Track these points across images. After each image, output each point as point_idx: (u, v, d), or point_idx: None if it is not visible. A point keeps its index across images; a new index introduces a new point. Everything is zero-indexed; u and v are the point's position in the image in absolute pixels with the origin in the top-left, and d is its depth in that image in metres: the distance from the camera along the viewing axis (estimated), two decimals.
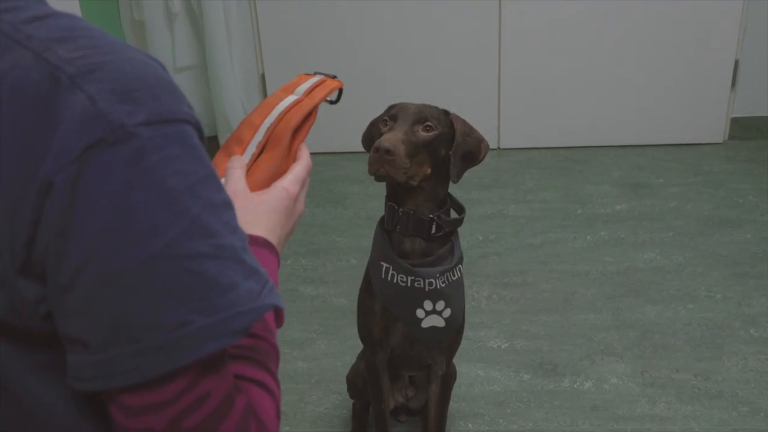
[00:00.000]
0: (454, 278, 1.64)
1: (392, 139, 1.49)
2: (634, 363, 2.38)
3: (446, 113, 1.62)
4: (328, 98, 1.06)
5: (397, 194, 1.61)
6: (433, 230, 1.60)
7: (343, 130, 3.75)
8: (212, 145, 3.65)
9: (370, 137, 1.71)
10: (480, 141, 1.66)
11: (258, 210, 0.92)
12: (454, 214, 1.68)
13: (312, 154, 1.04)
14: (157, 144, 0.61)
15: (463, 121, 1.65)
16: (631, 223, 3.13)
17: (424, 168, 1.53)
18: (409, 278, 1.60)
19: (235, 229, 0.67)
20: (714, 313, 2.59)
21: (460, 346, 2.46)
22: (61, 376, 0.66)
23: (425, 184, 1.56)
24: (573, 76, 3.67)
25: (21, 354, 0.66)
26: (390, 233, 1.64)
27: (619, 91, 3.69)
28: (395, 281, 1.61)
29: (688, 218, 3.14)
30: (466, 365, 2.39)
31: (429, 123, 1.54)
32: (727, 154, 3.67)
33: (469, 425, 2.18)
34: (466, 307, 2.63)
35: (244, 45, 3.63)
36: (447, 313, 1.64)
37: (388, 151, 1.46)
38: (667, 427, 2.15)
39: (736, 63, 3.63)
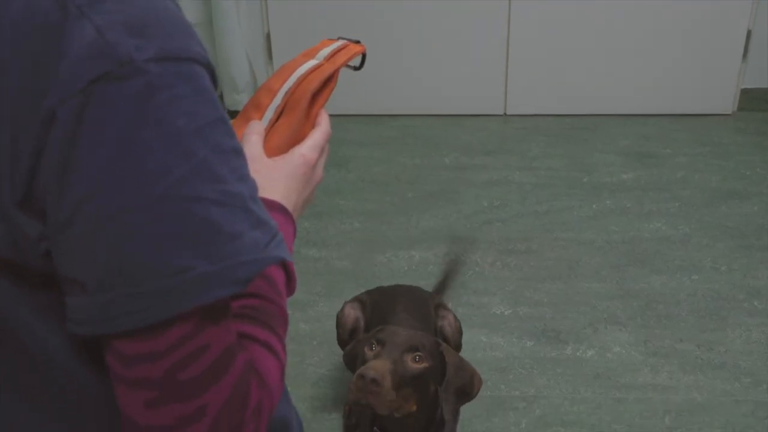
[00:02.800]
0: None
1: (379, 367, 1.38)
2: (638, 332, 2.37)
3: (437, 344, 1.52)
4: (351, 63, 1.03)
5: (381, 421, 1.52)
6: None
7: (348, 92, 3.71)
8: None
9: (353, 357, 1.60)
10: (472, 375, 1.57)
11: (273, 175, 0.89)
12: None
13: None
14: (166, 82, 0.58)
15: (455, 354, 1.56)
16: (637, 192, 3.11)
17: (409, 403, 1.43)
18: None
19: (245, 177, 0.65)
20: (719, 284, 2.58)
21: (464, 312, 2.46)
22: (61, 319, 0.64)
23: (408, 418, 1.46)
24: (582, 43, 3.63)
25: (20, 293, 0.64)
26: None
27: (628, 59, 3.65)
28: None
29: (694, 189, 3.12)
30: (469, 331, 2.38)
31: (420, 354, 1.44)
32: (736, 125, 3.64)
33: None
34: (469, 273, 2.63)
35: (250, 3, 3.58)
36: None
37: (373, 381, 1.35)
38: (669, 396, 2.15)
39: (749, 33, 3.58)
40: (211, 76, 0.64)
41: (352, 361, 1.60)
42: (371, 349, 1.46)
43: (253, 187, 0.66)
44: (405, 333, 1.47)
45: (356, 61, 1.04)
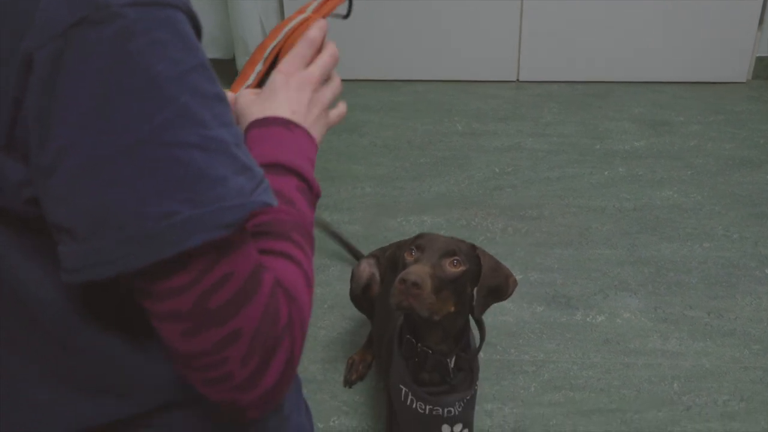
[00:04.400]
0: (468, 397, 1.61)
1: (420, 272, 1.42)
2: (648, 299, 2.38)
3: (473, 248, 1.56)
4: (338, 12, 1.02)
5: (415, 327, 1.56)
6: (452, 366, 1.56)
7: (360, 57, 3.70)
8: (230, 68, 3.61)
9: (394, 261, 1.64)
10: (507, 276, 1.59)
11: (271, 96, 0.86)
12: (474, 336, 1.63)
13: None
14: (144, 27, 0.58)
15: (490, 256, 1.59)
16: (649, 160, 3.10)
17: (448, 305, 1.47)
18: (428, 407, 1.57)
19: (228, 123, 0.65)
20: (730, 252, 2.58)
21: None
22: (49, 264, 0.65)
23: (445, 320, 1.50)
24: (596, 9, 3.59)
25: (9, 236, 0.65)
26: (408, 359, 1.59)
27: (642, 26, 3.62)
28: (414, 406, 1.59)
29: (707, 157, 3.11)
30: None
31: (457, 258, 1.47)
32: (750, 93, 3.61)
33: (481, 354, 2.18)
34: (481, 239, 2.64)
35: None
36: None
37: (414, 284, 1.40)
38: (678, 362, 2.16)
39: (765, 1, 3.54)
40: (193, 23, 0.64)
41: (394, 264, 1.64)
42: (411, 255, 1.51)
43: (237, 134, 0.66)
44: (443, 239, 1.52)
45: (343, 9, 1.03)
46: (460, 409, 1.58)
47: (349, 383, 2.12)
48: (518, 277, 2.46)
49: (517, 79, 3.76)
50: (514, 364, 2.17)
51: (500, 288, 1.58)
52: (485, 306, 1.58)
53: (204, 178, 0.61)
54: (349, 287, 2.08)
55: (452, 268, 1.47)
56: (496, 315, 2.33)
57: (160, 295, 0.63)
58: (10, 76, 0.57)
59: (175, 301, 0.63)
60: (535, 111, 3.49)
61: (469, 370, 1.60)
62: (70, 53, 0.56)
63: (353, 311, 2.24)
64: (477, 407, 2.01)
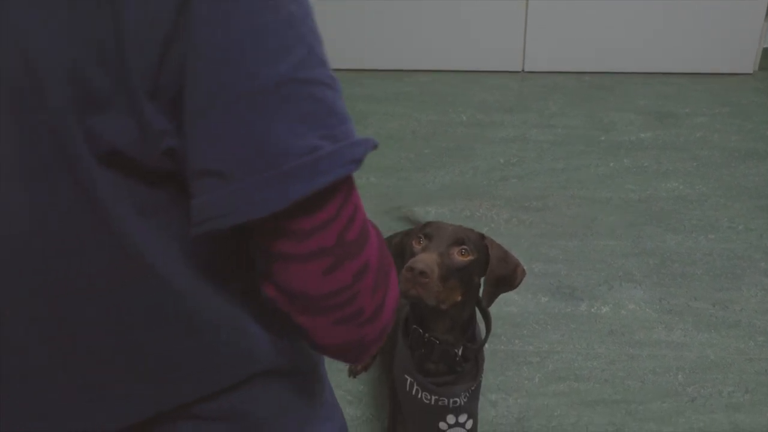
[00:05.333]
0: (473, 388, 1.60)
1: (427, 260, 1.41)
2: (653, 290, 2.38)
3: (482, 237, 1.54)
4: None
5: (422, 317, 1.55)
6: (458, 357, 1.55)
7: (364, 47, 3.70)
8: None
9: (401, 249, 1.63)
10: (516, 266, 1.58)
11: None
12: (480, 328, 1.62)
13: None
14: None
15: (499, 246, 1.57)
16: (654, 151, 3.09)
17: (455, 294, 1.46)
18: (433, 397, 1.56)
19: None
20: (735, 244, 2.57)
21: None
22: (163, 225, 0.66)
23: (452, 310, 1.50)
24: (601, 1, 3.58)
25: (130, 190, 0.64)
26: (414, 350, 1.58)
27: (648, 17, 3.60)
28: (419, 397, 1.58)
29: (713, 149, 3.10)
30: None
31: (465, 247, 1.46)
32: (756, 85, 3.60)
33: (486, 345, 2.19)
34: (485, 230, 2.64)
35: None
36: (470, 424, 1.61)
37: (422, 273, 1.39)
38: (682, 353, 2.16)
39: None
40: None
41: (401, 252, 1.63)
42: (419, 243, 1.50)
43: None
44: (451, 227, 1.50)
45: None
46: (465, 400, 1.58)
47: (353, 373, 2.12)
48: None
49: (523, 70, 3.75)
50: (519, 354, 2.17)
51: (508, 278, 1.57)
52: (493, 296, 1.57)
53: (335, 114, 0.63)
54: None
55: (460, 257, 1.46)
56: (500, 306, 2.33)
57: (305, 234, 0.64)
58: (164, 17, 0.58)
59: (319, 237, 0.65)
60: (541, 102, 3.48)
61: (474, 361, 1.60)
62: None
63: None
64: (481, 398, 2.01)
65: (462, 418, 1.59)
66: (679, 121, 3.31)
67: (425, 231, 1.50)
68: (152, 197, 0.65)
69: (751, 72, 3.70)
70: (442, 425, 1.60)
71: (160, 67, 0.59)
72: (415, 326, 1.56)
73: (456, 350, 1.54)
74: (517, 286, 1.59)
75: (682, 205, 2.77)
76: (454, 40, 3.69)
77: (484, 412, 1.99)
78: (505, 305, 2.33)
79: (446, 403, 1.57)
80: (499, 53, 3.72)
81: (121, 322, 0.69)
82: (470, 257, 1.47)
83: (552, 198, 2.82)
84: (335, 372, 2.13)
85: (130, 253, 0.66)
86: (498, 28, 3.66)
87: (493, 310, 2.31)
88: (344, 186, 0.66)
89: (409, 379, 1.59)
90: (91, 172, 0.61)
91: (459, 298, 1.48)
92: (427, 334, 1.54)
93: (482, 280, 1.55)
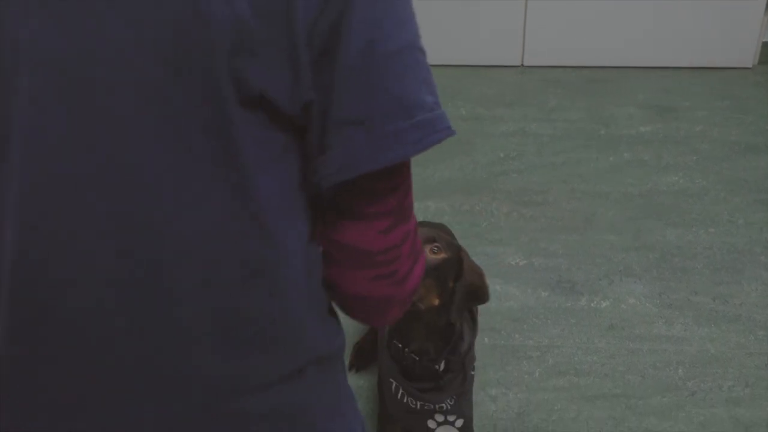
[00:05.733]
0: (461, 391, 1.59)
1: None
2: (653, 284, 2.38)
3: (453, 237, 1.55)
4: None
5: (399, 328, 1.54)
6: (441, 369, 1.54)
7: None
8: None
9: None
10: (483, 278, 1.58)
11: None
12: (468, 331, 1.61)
13: None
14: None
15: (468, 255, 1.58)
16: (654, 145, 3.08)
17: (431, 294, 1.45)
18: (419, 402, 1.56)
19: None
20: (735, 238, 2.57)
21: (479, 262, 2.47)
22: (278, 175, 0.70)
23: (428, 315, 1.48)
24: None
25: (265, 137, 0.69)
26: (396, 362, 1.58)
27: (648, 11, 3.59)
28: (405, 401, 1.57)
29: (713, 143, 3.09)
30: None
31: (437, 244, 1.46)
32: (756, 79, 3.59)
33: (485, 339, 2.19)
34: (485, 224, 2.63)
35: None
36: (460, 423, 1.59)
37: None
38: (683, 347, 2.16)
39: None
40: None
41: None
42: None
43: None
44: (422, 228, 1.51)
45: None
46: (452, 403, 1.57)
47: (355, 367, 2.12)
48: (522, 262, 2.46)
49: (522, 64, 3.75)
50: (519, 349, 2.17)
51: (479, 289, 1.56)
52: (463, 306, 1.54)
53: (432, 82, 0.72)
54: None
55: (432, 254, 1.46)
56: (500, 300, 2.33)
57: (379, 194, 0.73)
58: None
59: (390, 198, 0.73)
60: (540, 96, 3.48)
61: (460, 369, 1.58)
62: None
63: None
64: (481, 392, 2.01)
65: (451, 417, 1.58)
66: (679, 115, 3.30)
67: None
68: (276, 147, 0.70)
69: (751, 66, 3.69)
70: (431, 423, 1.58)
71: (317, 20, 0.65)
72: (394, 341, 1.55)
73: (437, 366, 1.53)
74: (486, 300, 1.57)
75: (683, 199, 2.76)
76: (454, 36, 3.68)
77: (483, 407, 1.99)
78: (504, 300, 2.33)
79: (432, 407, 1.56)
80: (498, 47, 3.71)
81: (218, 277, 0.70)
82: (443, 255, 1.46)
83: (552, 192, 2.82)
84: None
85: (249, 197, 0.69)
86: (497, 22, 3.65)
87: (492, 305, 2.31)
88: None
89: (394, 383, 1.58)
90: (234, 115, 0.66)
91: (436, 302, 1.46)
92: (407, 349, 1.53)
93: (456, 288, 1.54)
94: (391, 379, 1.58)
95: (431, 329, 1.51)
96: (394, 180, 0.73)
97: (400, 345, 1.54)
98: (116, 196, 0.67)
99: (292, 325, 0.76)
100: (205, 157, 0.67)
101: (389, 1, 0.67)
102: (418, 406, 1.57)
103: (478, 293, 1.54)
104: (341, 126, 0.68)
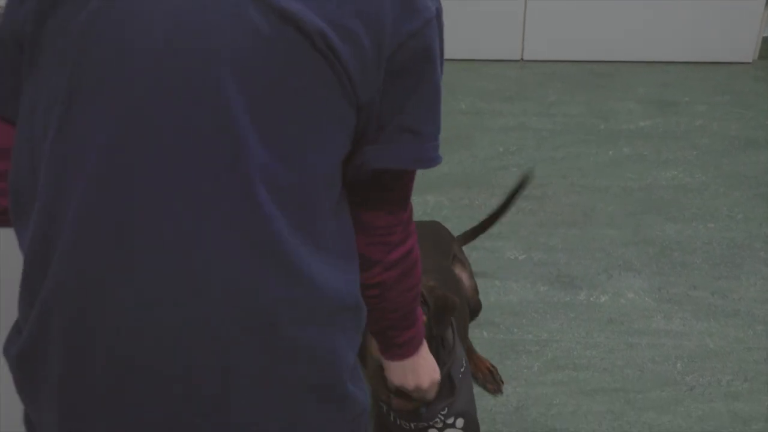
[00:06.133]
0: (453, 398, 1.57)
1: None
2: (652, 279, 2.37)
3: (433, 298, 1.55)
4: None
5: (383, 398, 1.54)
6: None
7: None
8: None
9: None
10: (450, 293, 1.60)
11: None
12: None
13: None
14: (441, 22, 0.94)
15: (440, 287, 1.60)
16: (654, 140, 3.08)
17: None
18: (411, 424, 1.55)
19: None
20: (735, 232, 2.57)
21: (478, 256, 2.46)
22: (333, 151, 0.88)
23: None
24: None
25: (330, 118, 0.86)
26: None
27: (647, 5, 3.59)
28: (398, 423, 1.56)
29: (713, 137, 3.09)
30: (483, 276, 2.39)
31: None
32: (756, 74, 3.59)
33: (484, 333, 2.19)
34: (484, 218, 2.63)
35: None
36: (461, 422, 1.58)
37: None
38: (681, 342, 2.16)
39: None
40: None
41: None
42: None
43: None
44: None
45: None
46: (444, 412, 1.55)
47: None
48: (521, 257, 2.46)
49: (522, 58, 3.74)
50: (518, 343, 2.17)
51: (444, 300, 1.55)
52: (439, 321, 1.54)
53: None
54: None
55: None
56: (499, 294, 2.32)
57: (402, 187, 0.99)
58: (403, 29, 0.87)
59: (403, 192, 0.99)
60: (540, 90, 3.47)
61: (447, 380, 1.56)
62: (435, 32, 0.90)
63: None
64: (480, 386, 2.01)
65: (450, 420, 1.57)
66: (679, 109, 3.30)
67: None
68: (341, 135, 0.89)
69: (751, 61, 3.69)
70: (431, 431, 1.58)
71: (399, 48, 0.87)
72: (381, 405, 1.55)
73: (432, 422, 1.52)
74: (454, 308, 1.57)
75: (682, 193, 2.76)
76: (453, 30, 3.68)
77: (482, 401, 1.99)
78: (504, 294, 2.33)
79: (425, 426, 1.55)
80: (498, 41, 3.70)
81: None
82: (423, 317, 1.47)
83: (551, 187, 2.81)
84: None
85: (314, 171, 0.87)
86: (497, 16, 3.64)
87: (491, 298, 2.31)
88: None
89: (384, 407, 1.57)
90: (313, 101, 0.84)
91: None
92: (392, 414, 1.52)
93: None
94: (381, 403, 1.58)
95: None
96: (410, 179, 1.00)
97: (385, 410, 1.55)
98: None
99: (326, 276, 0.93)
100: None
101: (440, 51, 0.95)
102: (412, 426, 1.56)
103: (447, 304, 1.54)
104: (401, 130, 0.92)
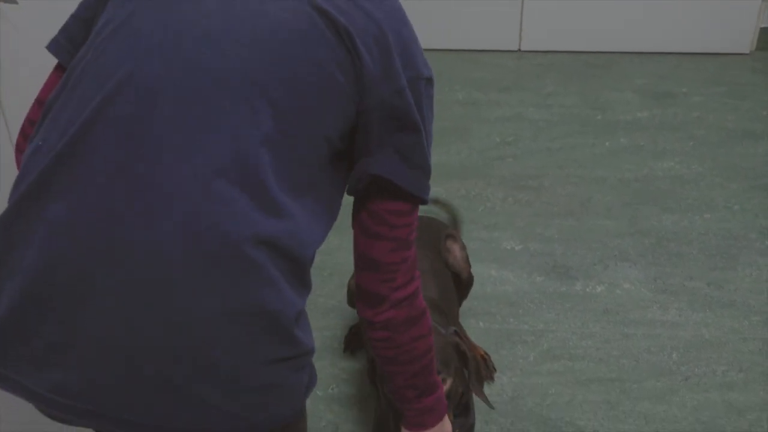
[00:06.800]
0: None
1: None
2: (648, 269, 2.38)
3: (455, 345, 1.57)
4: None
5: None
6: None
7: None
8: None
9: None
10: (476, 351, 1.67)
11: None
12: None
13: None
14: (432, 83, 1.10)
15: (466, 338, 1.67)
16: (651, 131, 3.08)
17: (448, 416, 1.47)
18: None
19: None
20: (731, 223, 2.57)
21: (474, 246, 2.46)
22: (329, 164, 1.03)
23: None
24: None
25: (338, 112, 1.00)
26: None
27: None
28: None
29: (709, 128, 3.09)
30: (479, 265, 2.39)
31: (441, 375, 1.49)
32: (753, 65, 3.59)
33: (480, 323, 2.19)
34: (480, 209, 2.63)
35: None
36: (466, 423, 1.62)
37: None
38: (677, 332, 2.16)
39: None
40: None
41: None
42: None
43: None
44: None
45: None
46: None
47: (350, 348, 2.12)
48: (518, 247, 2.46)
49: (519, 49, 3.73)
50: (513, 333, 2.17)
51: (477, 363, 1.61)
52: (479, 381, 1.59)
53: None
54: (348, 257, 2.07)
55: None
56: (495, 285, 2.33)
57: (399, 226, 1.08)
58: (400, 81, 1.02)
59: (402, 230, 1.08)
60: (537, 81, 3.46)
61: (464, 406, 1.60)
62: (427, 89, 1.06)
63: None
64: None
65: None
66: (675, 100, 3.30)
67: None
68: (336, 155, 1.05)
69: (748, 52, 3.68)
70: None
71: (402, 96, 1.03)
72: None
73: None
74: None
75: (678, 184, 2.76)
76: (451, 20, 3.67)
77: None
78: (500, 284, 2.33)
79: None
80: (495, 32, 3.70)
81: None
82: (449, 383, 1.49)
83: (548, 177, 2.81)
84: (330, 351, 2.13)
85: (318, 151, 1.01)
86: (495, 7, 3.63)
87: (487, 288, 2.31)
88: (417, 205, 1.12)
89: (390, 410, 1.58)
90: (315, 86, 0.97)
91: (451, 418, 1.47)
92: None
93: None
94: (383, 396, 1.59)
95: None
96: (408, 218, 1.08)
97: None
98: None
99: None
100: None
101: (431, 112, 1.10)
102: None
103: (479, 365, 1.62)
104: (391, 149, 1.04)
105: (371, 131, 1.02)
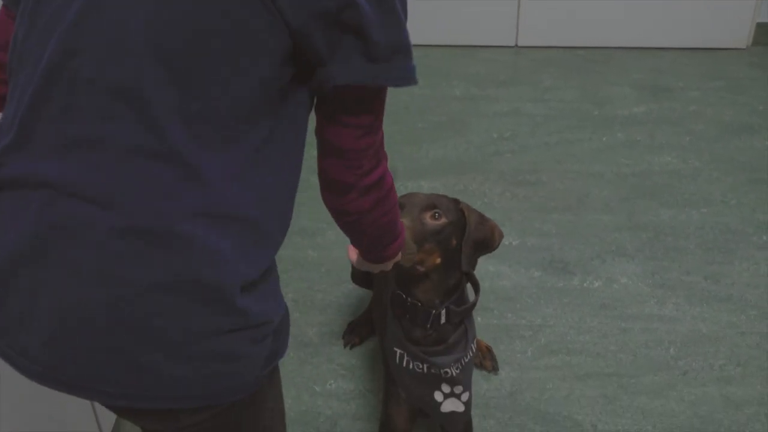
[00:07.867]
0: (467, 360, 1.60)
1: None
2: (645, 264, 2.38)
3: (456, 202, 1.57)
4: None
5: (404, 281, 1.56)
6: (443, 320, 1.55)
7: None
8: None
9: None
10: (493, 228, 1.61)
11: None
12: (470, 294, 1.63)
13: None
14: None
15: (474, 210, 1.60)
16: (648, 125, 3.08)
17: (433, 257, 1.49)
18: (425, 365, 1.57)
19: None
20: (728, 218, 2.57)
21: None
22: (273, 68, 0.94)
23: (434, 274, 1.52)
24: None
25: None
26: (400, 319, 1.59)
27: None
28: (411, 367, 1.58)
29: (707, 123, 3.09)
30: None
31: (437, 210, 1.50)
32: (750, 60, 3.59)
33: (478, 318, 2.19)
34: (478, 204, 2.63)
35: None
36: (465, 396, 1.61)
37: None
38: (674, 327, 2.16)
39: None
40: None
41: None
42: None
43: None
44: (423, 195, 1.55)
45: None
46: (457, 371, 1.58)
47: (350, 344, 2.12)
48: (515, 242, 2.46)
49: (516, 44, 3.73)
50: (511, 328, 2.17)
51: (486, 240, 1.60)
52: (473, 258, 1.58)
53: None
54: (344, 253, 2.07)
55: (433, 221, 1.50)
56: (493, 279, 2.33)
57: (370, 111, 1.01)
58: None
59: (369, 116, 1.02)
60: (534, 76, 3.46)
61: (463, 329, 1.60)
62: None
63: (349, 275, 2.24)
64: (474, 371, 2.01)
65: (457, 389, 1.60)
66: (673, 95, 3.30)
67: (399, 202, 1.54)
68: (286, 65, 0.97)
69: (745, 47, 3.68)
70: (438, 395, 1.60)
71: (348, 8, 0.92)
72: (398, 291, 1.57)
73: (439, 311, 1.54)
74: (496, 248, 1.63)
75: (676, 179, 2.76)
76: (448, 16, 3.66)
77: (476, 386, 1.99)
78: (497, 279, 2.33)
79: (438, 372, 1.57)
80: (493, 27, 3.69)
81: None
82: (444, 220, 1.51)
83: (545, 172, 2.81)
84: (329, 346, 2.13)
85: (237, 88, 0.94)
86: (492, 4, 3.63)
87: (485, 284, 2.31)
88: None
89: (398, 351, 1.59)
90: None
91: (438, 261, 1.50)
92: (409, 299, 1.55)
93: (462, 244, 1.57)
94: (396, 348, 1.59)
95: (437, 286, 1.54)
96: (377, 104, 1.01)
97: (403, 295, 1.56)
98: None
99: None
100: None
101: None
102: (425, 369, 1.57)
103: (486, 244, 1.59)
104: (354, 49, 0.94)
105: (316, 44, 0.94)
